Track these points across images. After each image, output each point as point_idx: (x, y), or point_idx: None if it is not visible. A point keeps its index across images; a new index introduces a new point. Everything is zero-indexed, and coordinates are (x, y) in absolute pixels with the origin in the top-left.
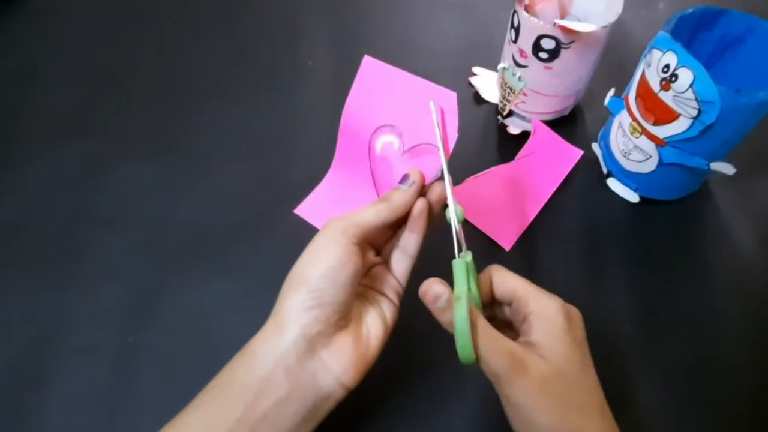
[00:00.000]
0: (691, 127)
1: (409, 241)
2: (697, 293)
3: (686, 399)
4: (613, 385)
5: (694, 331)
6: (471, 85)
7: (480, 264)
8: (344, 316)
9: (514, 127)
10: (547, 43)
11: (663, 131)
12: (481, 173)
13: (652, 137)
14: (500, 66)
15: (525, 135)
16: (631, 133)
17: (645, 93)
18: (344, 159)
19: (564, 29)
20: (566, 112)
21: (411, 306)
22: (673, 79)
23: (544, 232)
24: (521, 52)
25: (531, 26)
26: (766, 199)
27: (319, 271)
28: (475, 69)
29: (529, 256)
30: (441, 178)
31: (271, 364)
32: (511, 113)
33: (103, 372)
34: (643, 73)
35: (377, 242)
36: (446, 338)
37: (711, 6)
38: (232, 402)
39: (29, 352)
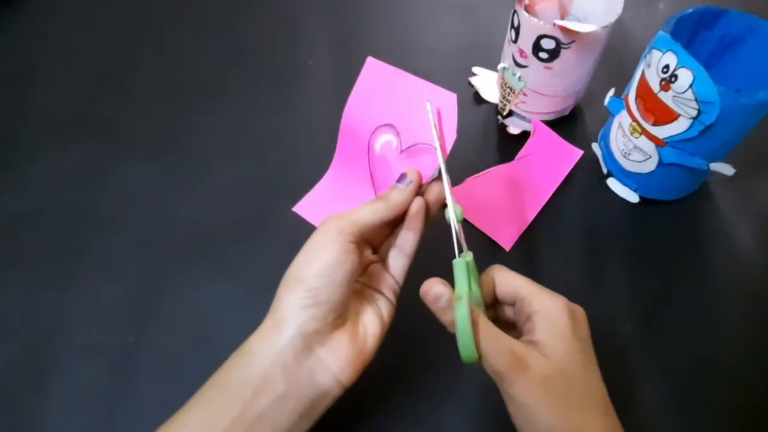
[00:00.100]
0: (690, 127)
1: (406, 240)
2: (697, 293)
3: (686, 399)
4: (612, 385)
5: (694, 331)
6: (471, 85)
7: (480, 264)
8: (341, 315)
9: (514, 127)
10: (547, 43)
11: (663, 131)
12: (480, 173)
13: (651, 137)
14: (500, 66)
15: (525, 135)
16: (631, 134)
17: (645, 93)
18: (344, 158)
19: (564, 29)
20: (566, 112)
21: (409, 305)
22: (673, 79)
23: (544, 232)
24: (521, 52)
25: (531, 26)
26: (766, 199)
27: (316, 270)
28: (475, 69)
29: (529, 256)
30: (438, 177)
31: (269, 362)
32: (511, 113)
33: (103, 372)
34: (643, 73)
35: (374, 240)
36: (444, 337)
37: (711, 6)
38: (229, 401)
39: (29, 352)
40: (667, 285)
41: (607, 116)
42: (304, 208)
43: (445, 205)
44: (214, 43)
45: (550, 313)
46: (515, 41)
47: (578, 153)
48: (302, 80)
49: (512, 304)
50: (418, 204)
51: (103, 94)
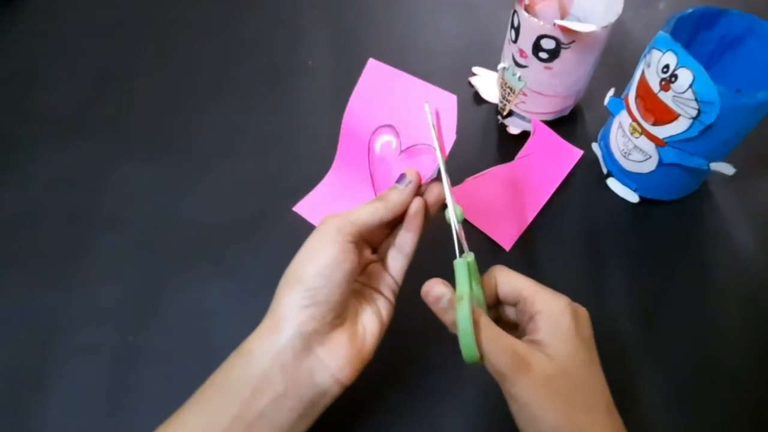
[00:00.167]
0: (690, 127)
1: (405, 240)
2: (697, 293)
3: (686, 399)
4: (612, 385)
5: (694, 331)
6: (471, 85)
7: (480, 264)
8: (340, 315)
9: (514, 127)
10: (547, 43)
11: (663, 131)
12: (480, 173)
13: (651, 137)
14: (500, 66)
15: (525, 135)
16: (631, 134)
17: (645, 93)
18: (345, 159)
19: (564, 29)
20: (566, 112)
21: (409, 305)
22: (673, 79)
23: (544, 232)
24: (521, 52)
25: (531, 26)
26: (766, 199)
27: (315, 270)
28: (475, 69)
29: (529, 256)
30: (437, 178)
31: (268, 361)
32: (511, 113)
33: (103, 372)
34: (643, 73)
35: (373, 240)
36: (443, 337)
37: (711, 6)
38: (228, 400)
39: (29, 352)
40: (667, 285)
41: (607, 116)
42: (305, 207)
43: (445, 206)
44: (214, 43)
45: (552, 313)
46: (515, 41)
47: (578, 153)
48: (302, 80)
49: (514, 304)
50: (417, 204)
51: (103, 94)
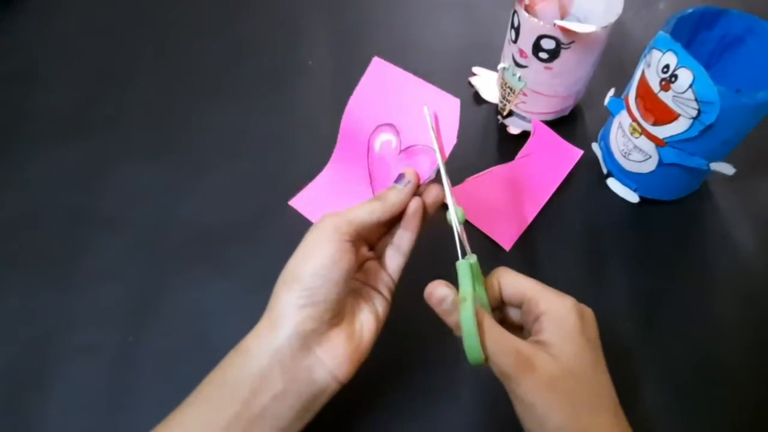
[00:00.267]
0: (690, 127)
1: (403, 239)
2: (697, 293)
3: (687, 398)
4: (613, 385)
5: (694, 331)
6: (471, 85)
7: (481, 264)
8: (338, 313)
9: (514, 127)
10: (547, 44)
11: (663, 131)
12: (481, 173)
13: (651, 137)
14: (500, 66)
15: (525, 135)
16: (631, 134)
17: (645, 93)
18: (343, 155)
19: (564, 29)
20: (566, 112)
21: (407, 304)
22: (673, 79)
23: (544, 232)
24: (521, 52)
25: (531, 26)
26: (766, 199)
27: (312, 269)
28: (475, 69)
29: (529, 256)
30: (435, 180)
31: (266, 360)
32: (511, 113)
33: (103, 372)
34: (643, 73)
35: (371, 238)
36: (440, 335)
37: (711, 6)
38: (227, 399)
39: (29, 352)
40: (667, 285)
41: (607, 116)
42: (300, 202)
43: (446, 207)
44: (214, 43)
45: (558, 314)
46: (515, 41)
47: (578, 153)
48: (302, 80)
49: (519, 306)
50: (415, 204)
51: (103, 94)
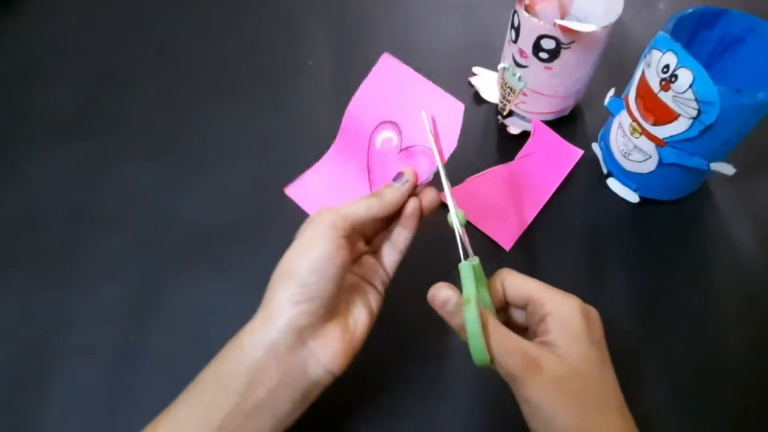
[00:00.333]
0: (690, 127)
1: (400, 237)
2: (697, 293)
3: (687, 398)
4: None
5: (694, 331)
6: (471, 85)
7: (482, 264)
8: (332, 308)
9: (514, 127)
10: (548, 43)
11: (663, 131)
12: (481, 173)
13: (651, 137)
14: (500, 66)
15: (525, 135)
16: (631, 134)
17: (645, 93)
18: (343, 147)
19: (564, 29)
20: (566, 112)
21: (406, 303)
22: (673, 79)
23: (544, 232)
24: (521, 52)
25: (531, 26)
26: (766, 199)
27: (307, 265)
28: (475, 69)
29: (529, 256)
30: (432, 182)
31: (261, 354)
32: (511, 113)
33: (103, 372)
34: (643, 73)
35: (368, 233)
36: (435, 330)
37: (711, 6)
38: (224, 393)
39: (29, 352)
40: (667, 285)
41: (607, 116)
42: (296, 190)
43: (446, 209)
44: (214, 43)
45: (563, 314)
46: (515, 41)
47: (578, 153)
48: (302, 80)
49: (523, 307)
50: (413, 205)
51: (103, 94)
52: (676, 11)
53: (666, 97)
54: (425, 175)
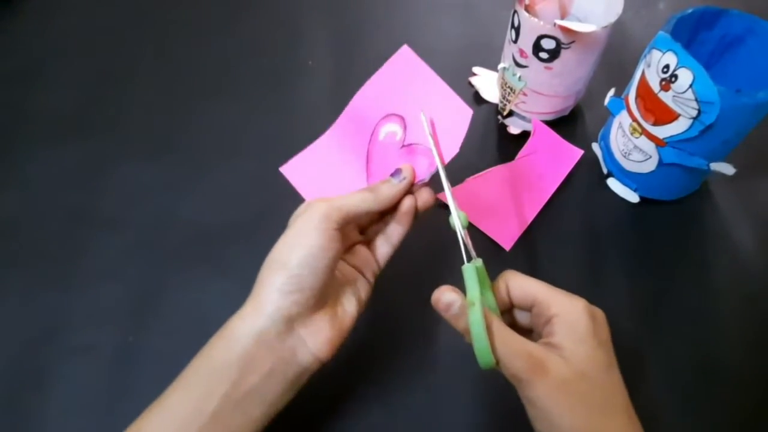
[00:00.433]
0: (690, 127)
1: (395, 232)
2: (697, 293)
3: (687, 398)
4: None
5: (694, 331)
6: (471, 85)
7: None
8: (322, 298)
9: (514, 127)
10: (548, 43)
11: (663, 131)
12: (481, 173)
13: (652, 137)
14: (500, 66)
15: (525, 135)
16: (631, 134)
17: (645, 93)
18: (346, 132)
19: (564, 29)
20: (566, 112)
21: (403, 301)
22: (673, 79)
23: (544, 232)
24: (521, 52)
25: (531, 26)
26: (766, 199)
27: (299, 257)
28: (475, 69)
29: (529, 256)
30: (428, 183)
31: (252, 342)
32: (511, 113)
33: (103, 372)
34: (643, 73)
35: (362, 223)
36: (438, 333)
37: (711, 6)
38: (215, 381)
39: (29, 352)
40: (667, 285)
41: (607, 116)
42: (291, 170)
43: (446, 208)
44: (214, 43)
45: (569, 316)
46: (515, 41)
47: (578, 153)
48: (302, 80)
49: (528, 309)
50: (409, 202)
51: (103, 94)
52: (676, 11)
53: (666, 97)
54: (423, 175)
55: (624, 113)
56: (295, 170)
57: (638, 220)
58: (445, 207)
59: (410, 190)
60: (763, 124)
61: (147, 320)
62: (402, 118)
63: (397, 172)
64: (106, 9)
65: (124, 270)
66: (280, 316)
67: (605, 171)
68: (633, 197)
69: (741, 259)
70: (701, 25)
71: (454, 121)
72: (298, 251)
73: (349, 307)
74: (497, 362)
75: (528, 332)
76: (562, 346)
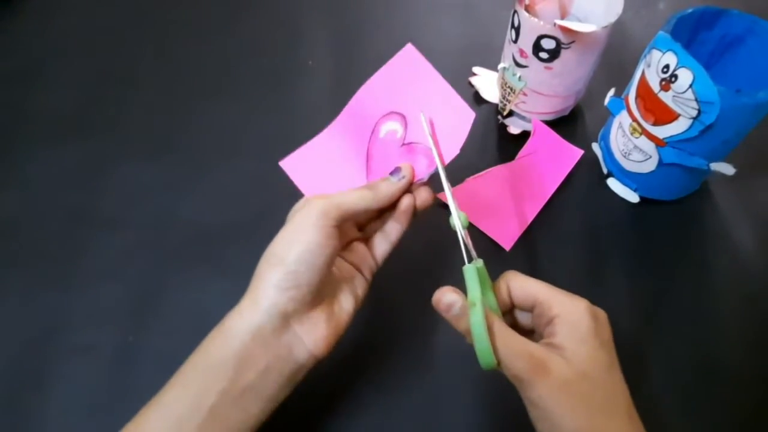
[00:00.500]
0: (690, 127)
1: (393, 230)
2: (697, 293)
3: (687, 398)
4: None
5: (694, 331)
6: (471, 85)
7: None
8: (319, 295)
9: (514, 127)
10: (548, 43)
11: (663, 131)
12: (481, 173)
13: (651, 137)
14: (500, 66)
15: (525, 135)
16: (631, 134)
17: (645, 93)
18: (347, 128)
19: (564, 29)
20: (566, 112)
21: (404, 302)
22: (673, 79)
23: (544, 232)
24: (521, 52)
25: (531, 26)
26: (766, 199)
27: (297, 253)
28: (475, 69)
29: (529, 256)
30: (427, 183)
31: (249, 339)
32: (511, 113)
33: (103, 372)
34: (643, 73)
35: (360, 220)
36: (440, 334)
37: (711, 6)
38: (213, 377)
39: (29, 352)
40: (667, 285)
41: (607, 116)
42: (291, 164)
43: (447, 208)
44: (214, 43)
45: (571, 316)
46: (515, 41)
47: (578, 153)
48: (302, 80)
49: (530, 309)
50: (408, 201)
51: (103, 94)
52: (676, 11)
53: (666, 97)
54: (422, 175)
55: (624, 113)
56: (295, 165)
57: (638, 220)
58: (445, 207)
59: (409, 189)
60: (763, 124)
61: (147, 320)
62: (403, 117)
63: (396, 171)
64: (106, 9)
65: (124, 270)
66: (276, 312)
67: (605, 171)
68: (633, 197)
69: (741, 259)
70: (701, 25)
71: (456, 123)
72: (295, 247)
73: (345, 304)
74: (498, 363)
75: (529, 333)
76: (563, 346)
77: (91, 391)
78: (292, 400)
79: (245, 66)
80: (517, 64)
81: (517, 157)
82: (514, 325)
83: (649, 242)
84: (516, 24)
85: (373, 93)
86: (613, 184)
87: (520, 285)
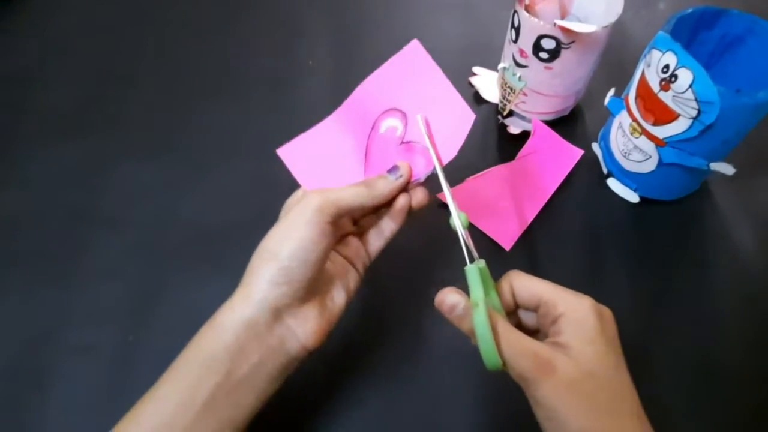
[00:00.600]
0: (690, 127)
1: (388, 227)
2: (697, 293)
3: (687, 398)
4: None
5: (694, 331)
6: (471, 85)
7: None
8: (311, 289)
9: (514, 127)
10: (548, 43)
11: (663, 131)
12: (481, 173)
13: (651, 137)
14: (500, 66)
15: (525, 135)
16: (631, 134)
17: (645, 93)
18: (347, 121)
19: (564, 29)
20: (566, 112)
21: (405, 303)
22: (673, 79)
23: (544, 232)
24: (521, 52)
25: (531, 26)
26: (766, 199)
27: (291, 249)
28: (475, 69)
29: (529, 256)
30: (423, 183)
31: (241, 332)
32: (511, 113)
33: (103, 372)
34: (643, 73)
35: (355, 215)
36: (442, 335)
37: (711, 6)
38: (206, 371)
39: (29, 351)
40: (667, 285)
41: (607, 116)
42: (288, 152)
43: (446, 208)
44: (214, 43)
45: (576, 315)
46: (515, 41)
47: (578, 153)
48: (302, 80)
49: (534, 309)
50: (403, 201)
51: (103, 93)
52: (676, 11)
53: (666, 97)
54: (420, 175)
55: (624, 113)
56: (292, 153)
57: (638, 220)
58: (445, 207)
59: (405, 188)
60: (763, 124)
61: (147, 320)
62: (404, 114)
63: (394, 169)
64: (106, 8)
65: (124, 269)
66: (268, 306)
67: (605, 171)
68: (633, 197)
69: (741, 259)
70: (701, 25)
71: (456, 123)
72: (289, 243)
73: (338, 297)
74: (503, 363)
75: (534, 333)
76: (569, 345)
77: (91, 390)
78: (289, 398)
79: (245, 66)
80: (517, 64)
81: (517, 157)
82: (519, 326)
83: (649, 242)
84: (516, 24)
85: (376, 87)
86: (613, 184)
87: (524, 284)
